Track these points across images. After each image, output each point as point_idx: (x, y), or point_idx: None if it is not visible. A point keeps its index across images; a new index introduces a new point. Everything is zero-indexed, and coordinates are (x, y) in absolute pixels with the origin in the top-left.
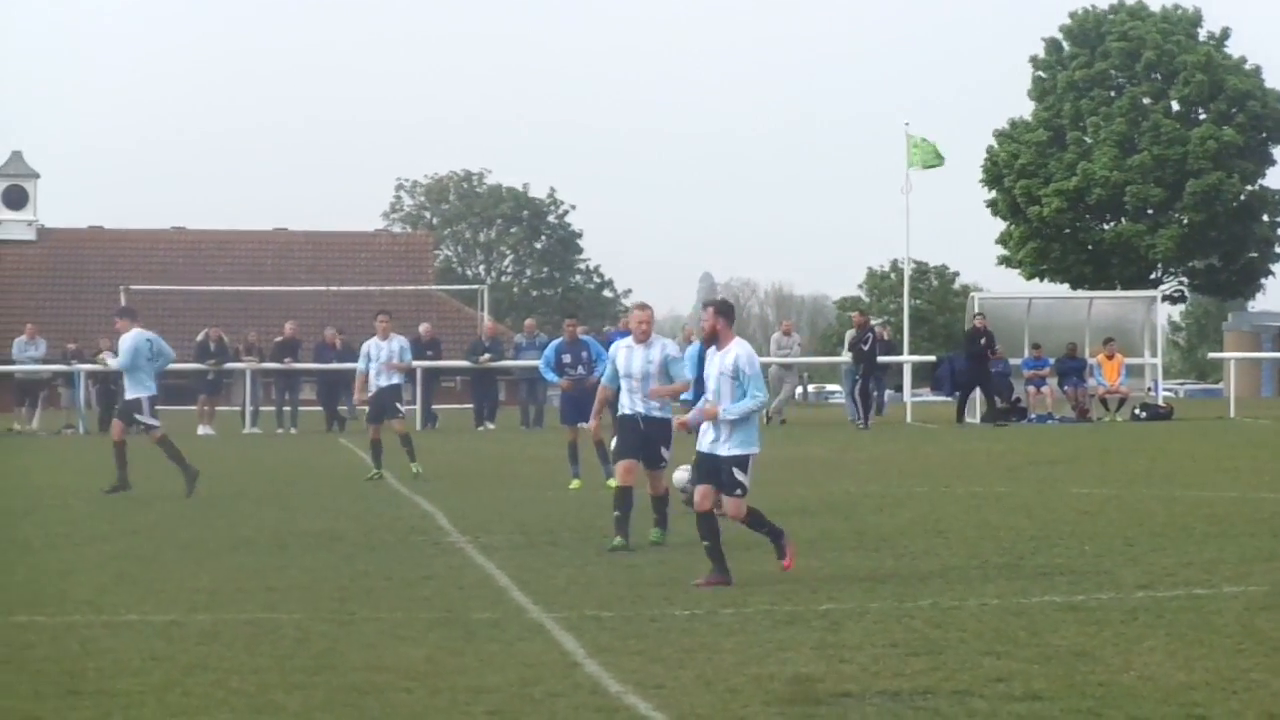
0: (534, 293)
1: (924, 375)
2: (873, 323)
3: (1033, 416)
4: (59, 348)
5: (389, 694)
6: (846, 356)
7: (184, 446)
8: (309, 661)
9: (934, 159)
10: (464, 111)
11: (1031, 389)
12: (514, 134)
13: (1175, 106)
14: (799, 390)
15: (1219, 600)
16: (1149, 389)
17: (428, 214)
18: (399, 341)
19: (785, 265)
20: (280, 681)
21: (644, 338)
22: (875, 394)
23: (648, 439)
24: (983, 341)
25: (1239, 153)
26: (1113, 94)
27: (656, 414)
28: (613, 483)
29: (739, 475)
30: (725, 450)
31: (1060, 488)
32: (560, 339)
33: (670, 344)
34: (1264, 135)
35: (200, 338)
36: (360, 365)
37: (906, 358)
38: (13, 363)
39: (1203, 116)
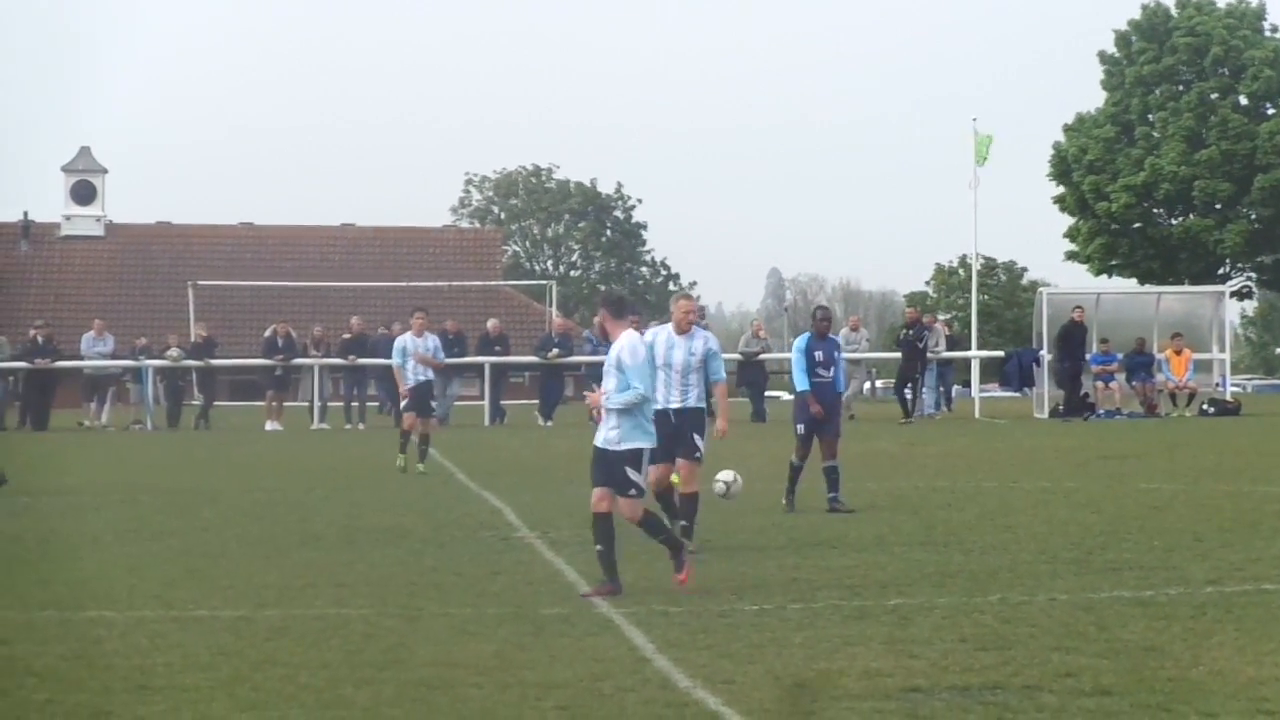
0: (601, 287)
1: (992, 370)
2: (938, 319)
3: (1101, 412)
4: (127, 343)
5: (458, 689)
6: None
7: (253, 442)
8: (378, 656)
9: (983, 150)
10: (532, 107)
11: (1100, 384)
12: (582, 129)
13: (1243, 101)
14: (867, 385)
15: None
16: (1217, 384)
17: (496, 209)
18: (433, 339)
19: (853, 261)
20: (349, 676)
21: (687, 328)
22: (925, 389)
23: (679, 431)
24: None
25: None
26: (1180, 89)
27: (692, 404)
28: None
29: (632, 474)
30: (617, 446)
31: (1128, 483)
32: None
33: (712, 337)
34: None
35: (268, 333)
36: (396, 360)
37: (974, 353)
38: (82, 358)
39: (1270, 111)
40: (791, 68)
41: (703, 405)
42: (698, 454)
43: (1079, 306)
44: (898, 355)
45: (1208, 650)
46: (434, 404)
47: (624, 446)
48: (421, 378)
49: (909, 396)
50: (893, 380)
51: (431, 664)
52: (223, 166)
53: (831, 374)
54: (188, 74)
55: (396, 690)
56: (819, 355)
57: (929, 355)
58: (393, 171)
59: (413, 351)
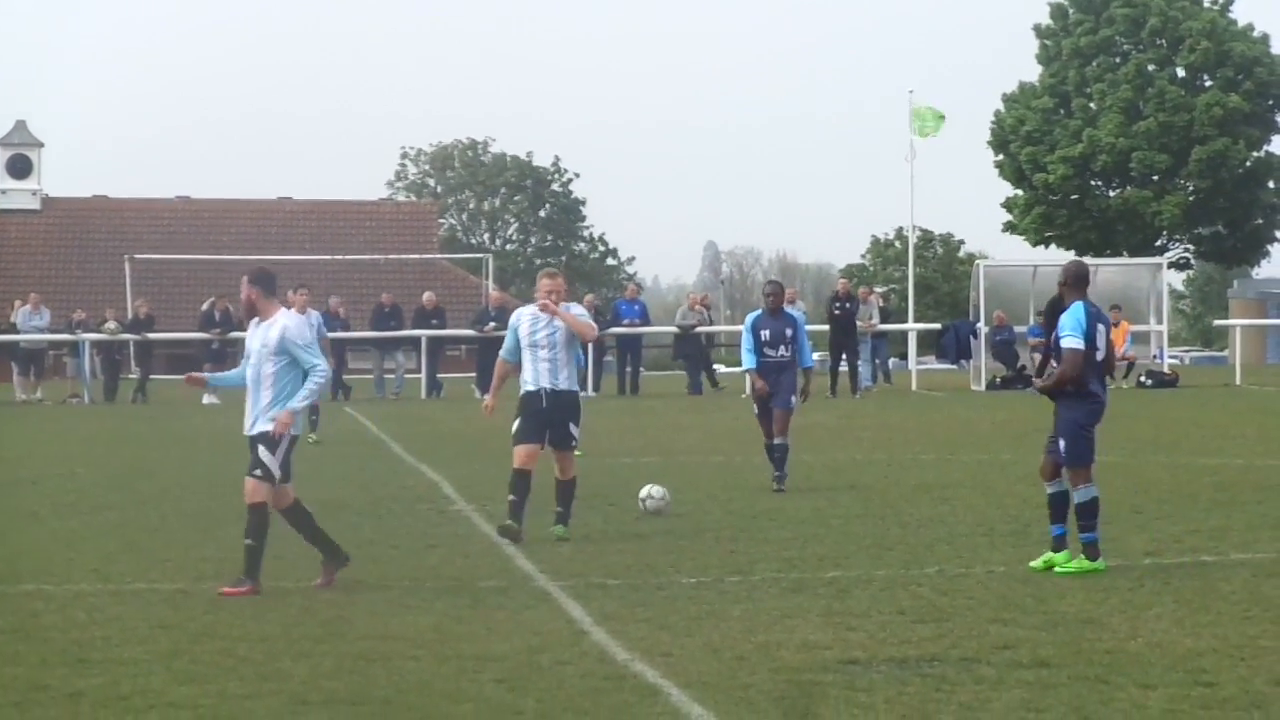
0: (538, 261)
1: (929, 343)
2: (874, 291)
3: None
4: (64, 317)
5: (396, 662)
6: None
7: (191, 415)
8: (316, 629)
9: (933, 124)
10: (468, 80)
11: (1037, 356)
12: (518, 102)
13: (1181, 73)
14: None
15: (1226, 567)
16: (1154, 356)
17: (432, 182)
18: (315, 316)
19: (790, 233)
20: (287, 649)
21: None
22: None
23: (551, 417)
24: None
25: (1245, 119)
26: (1118, 60)
27: (564, 387)
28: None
29: (264, 455)
30: (252, 429)
31: None
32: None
33: (584, 310)
34: (1270, 102)
35: (205, 307)
36: None
37: (911, 325)
38: (17, 332)
39: (1209, 83)
40: (727, 41)
41: (575, 388)
42: (574, 443)
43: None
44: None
45: (1146, 622)
46: None
47: (260, 429)
48: None
49: (842, 370)
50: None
51: (369, 637)
52: (159, 140)
53: (780, 352)
54: (124, 47)
55: (334, 662)
56: (765, 334)
57: (865, 327)
58: (329, 145)
59: None
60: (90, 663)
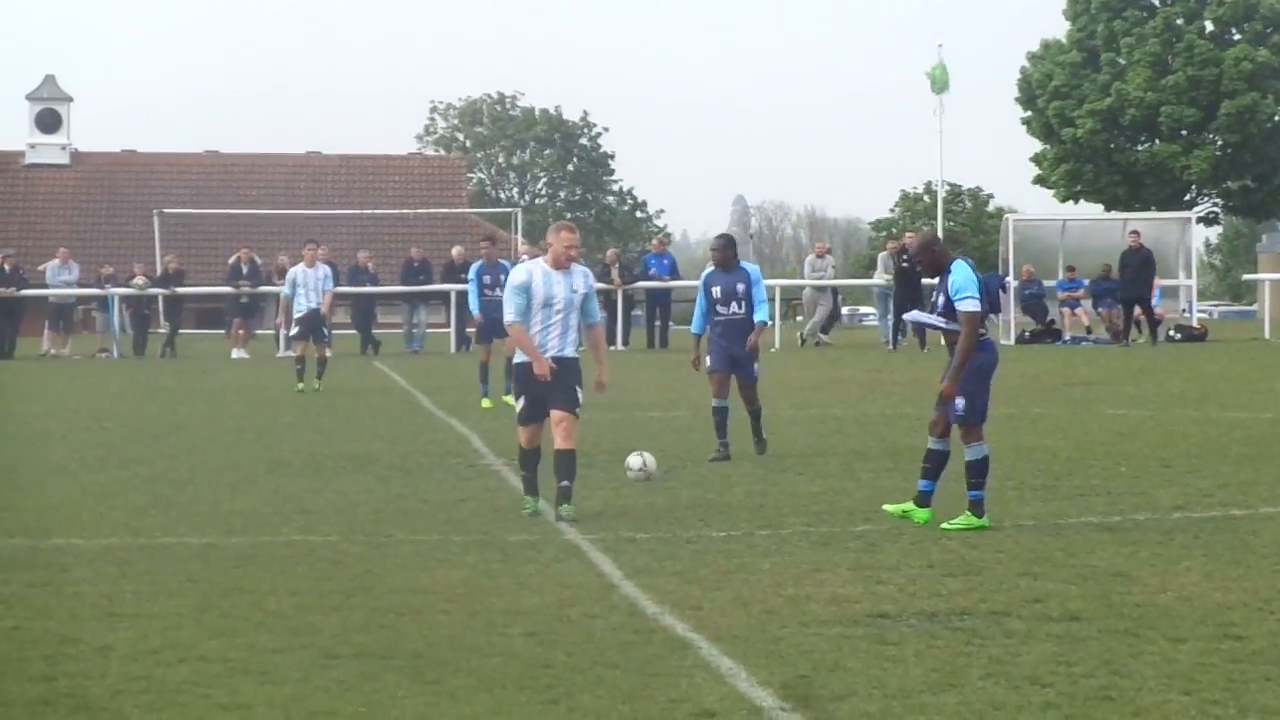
0: (567, 215)
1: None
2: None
3: (1067, 338)
4: (93, 272)
5: (426, 615)
6: (885, 279)
7: (220, 370)
8: (345, 583)
9: (940, 81)
10: (497, 33)
11: (1066, 310)
12: (547, 56)
13: (1209, 27)
14: (844, 311)
15: (1256, 521)
16: (1183, 310)
17: (461, 136)
18: (324, 269)
19: (818, 188)
20: (317, 603)
21: (567, 264)
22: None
23: (556, 380)
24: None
25: (1274, 74)
26: (1146, 14)
27: (570, 353)
28: (487, 403)
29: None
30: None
31: (1095, 409)
32: (481, 261)
33: (589, 274)
34: None
35: (232, 260)
36: (286, 290)
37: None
38: (46, 287)
39: (1237, 37)
40: None
41: (577, 355)
42: (579, 407)
43: (1135, 232)
44: (864, 282)
45: (1175, 576)
46: (325, 330)
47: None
48: (311, 306)
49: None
50: (861, 308)
51: (399, 590)
52: (188, 94)
53: (733, 309)
54: (152, 2)
55: (364, 617)
56: (717, 290)
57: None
58: (358, 99)
59: (303, 283)
60: (120, 616)
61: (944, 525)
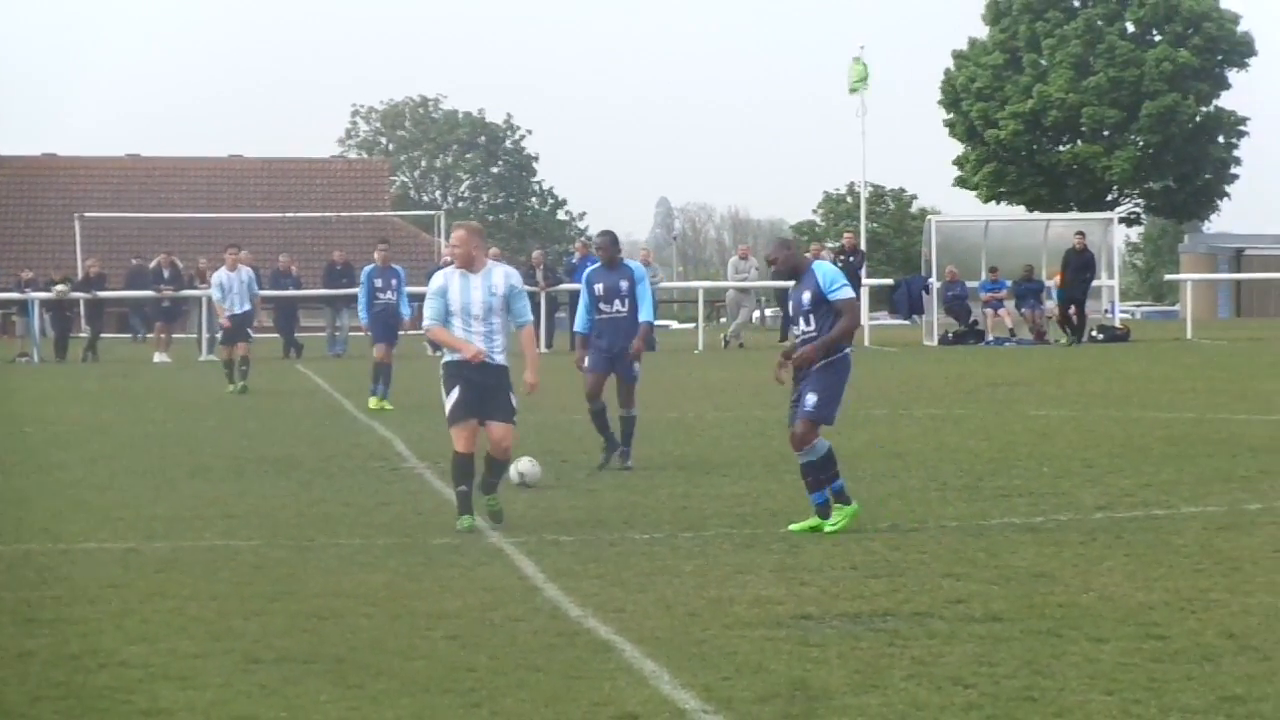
0: (490, 218)
1: (881, 298)
2: (825, 247)
3: (990, 338)
4: (13, 276)
5: (348, 619)
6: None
7: (141, 374)
8: (267, 588)
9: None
10: (419, 36)
11: (989, 311)
12: (470, 59)
13: (1130, 28)
14: (755, 314)
15: (1177, 520)
16: (1106, 311)
17: (383, 140)
18: (247, 273)
19: (742, 189)
20: (239, 608)
21: (469, 263)
22: None
23: (486, 387)
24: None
25: (1194, 74)
26: (1067, 16)
27: (499, 361)
28: (375, 403)
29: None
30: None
31: (1018, 409)
32: (373, 265)
33: (513, 271)
34: (1219, 57)
35: (153, 265)
36: (215, 295)
37: (864, 281)
38: None
39: (1158, 38)
40: None
41: (507, 364)
42: (514, 415)
43: (1080, 232)
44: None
45: (1097, 576)
46: (250, 331)
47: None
48: (238, 310)
49: None
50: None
51: (321, 595)
52: (109, 98)
53: (617, 307)
54: (71, 4)
55: (286, 621)
56: (599, 288)
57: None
58: (279, 103)
59: (229, 287)
60: (39, 622)
61: (790, 527)
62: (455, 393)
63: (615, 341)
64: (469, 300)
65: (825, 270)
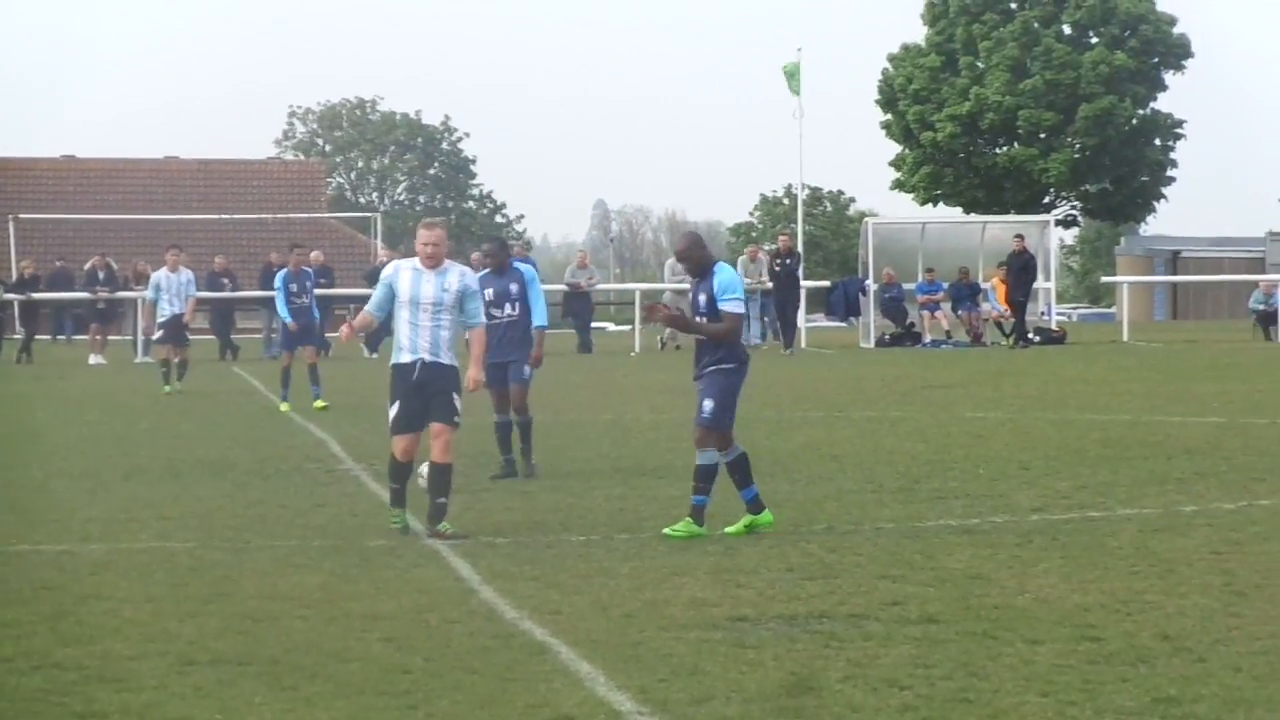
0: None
1: (818, 300)
2: (762, 249)
3: (927, 341)
4: None
5: (283, 621)
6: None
7: (77, 376)
8: (203, 590)
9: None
10: (357, 38)
11: (925, 313)
12: (408, 60)
13: (1067, 30)
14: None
15: (1113, 523)
16: (1042, 313)
17: (320, 141)
18: (186, 274)
19: (679, 191)
20: (174, 610)
21: (434, 264)
22: (752, 319)
23: (428, 389)
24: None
25: (1131, 77)
26: (1004, 18)
27: (446, 360)
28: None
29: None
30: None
31: (954, 412)
32: (287, 269)
33: (469, 272)
34: (1156, 60)
35: (88, 266)
36: (149, 295)
37: (801, 283)
38: None
39: (1095, 41)
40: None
41: (455, 364)
42: (457, 418)
43: (1019, 235)
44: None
45: (1033, 578)
46: (187, 334)
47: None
48: (175, 311)
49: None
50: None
51: (257, 596)
52: (44, 98)
53: (507, 311)
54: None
55: (221, 623)
56: (489, 293)
57: (755, 285)
58: (216, 104)
59: (166, 287)
60: None
61: (665, 531)
62: (396, 406)
63: (505, 346)
64: (419, 293)
65: (725, 277)
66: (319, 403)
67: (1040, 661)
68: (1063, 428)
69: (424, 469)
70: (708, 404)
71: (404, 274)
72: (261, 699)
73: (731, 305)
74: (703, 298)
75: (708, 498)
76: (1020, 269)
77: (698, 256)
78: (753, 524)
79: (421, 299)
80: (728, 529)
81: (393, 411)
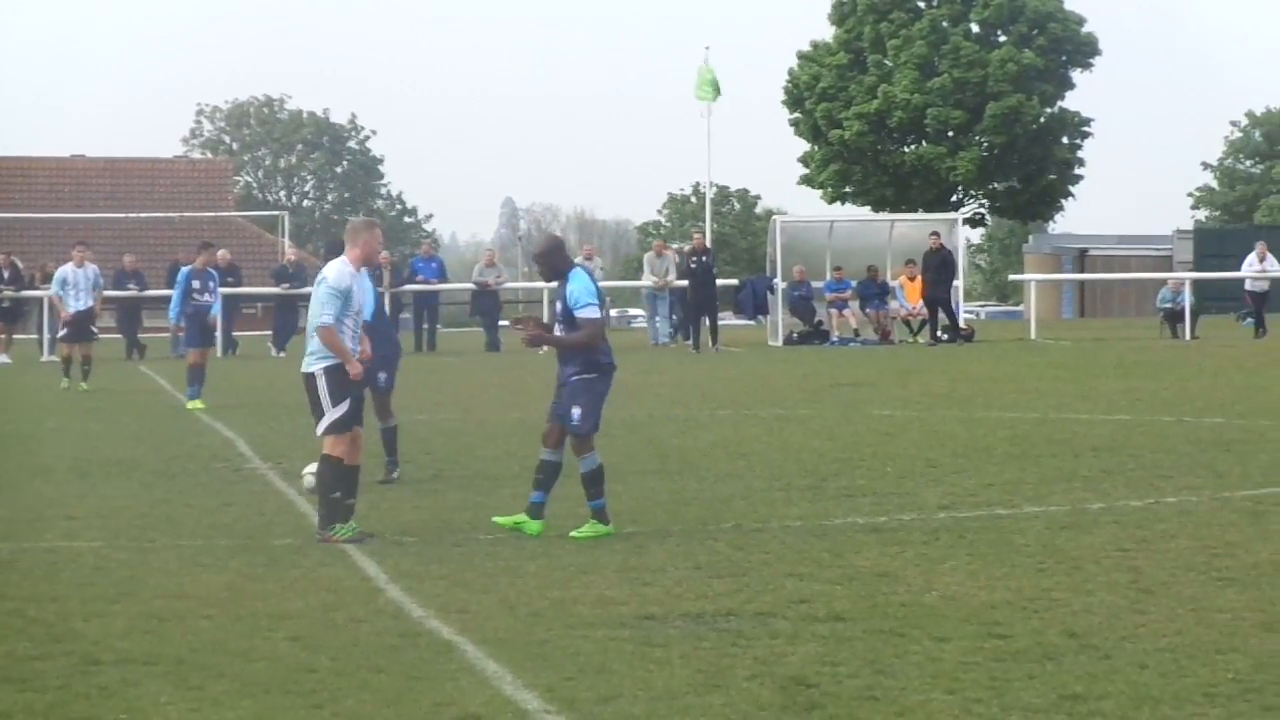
0: (335, 218)
1: (726, 299)
2: (670, 247)
3: (835, 339)
4: None
5: (189, 621)
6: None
7: None
8: (108, 589)
9: (709, 90)
10: (264, 36)
11: (834, 311)
12: (315, 59)
13: (975, 29)
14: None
15: (1020, 520)
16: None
17: (228, 139)
18: (92, 269)
19: (587, 190)
20: (79, 610)
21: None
22: (658, 319)
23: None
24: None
25: (1039, 75)
26: (912, 17)
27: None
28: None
29: None
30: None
31: (862, 410)
32: (192, 266)
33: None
34: (1063, 58)
35: None
36: (55, 289)
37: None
38: None
39: (1003, 39)
40: None
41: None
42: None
43: (936, 233)
44: (632, 284)
45: (941, 575)
46: (93, 330)
47: None
48: (80, 307)
49: (704, 326)
50: (629, 310)
51: (163, 596)
52: None
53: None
54: None
55: (127, 622)
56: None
57: (661, 284)
58: (123, 102)
59: (73, 283)
60: None
61: (573, 534)
62: (346, 405)
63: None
64: (361, 301)
65: (577, 285)
66: (198, 403)
67: (947, 659)
68: (970, 425)
69: (306, 473)
70: (576, 412)
71: (356, 282)
72: (167, 698)
73: (587, 312)
74: (559, 304)
75: (603, 498)
76: (939, 265)
77: (552, 261)
78: (519, 524)
79: (361, 306)
80: (497, 518)
81: (340, 411)
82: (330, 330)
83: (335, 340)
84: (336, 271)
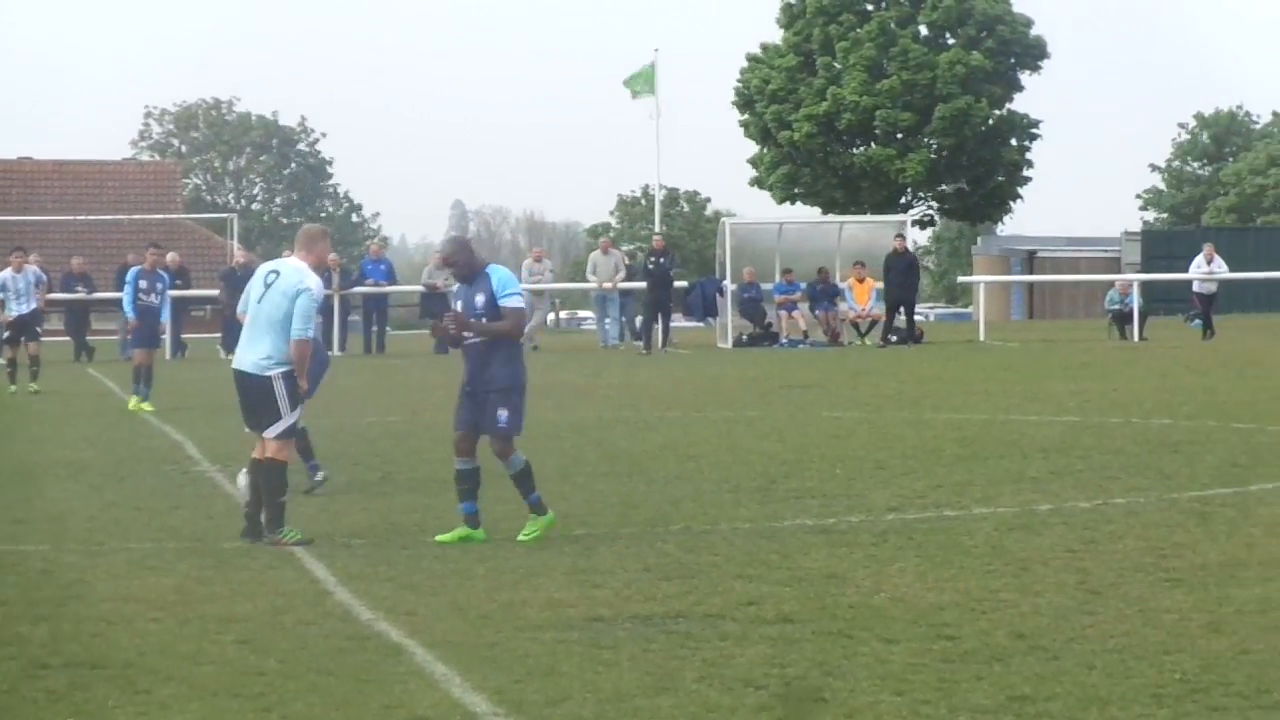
0: (284, 220)
1: (675, 301)
2: (622, 249)
3: (784, 341)
4: None
5: (137, 624)
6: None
7: None
8: (56, 592)
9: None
10: (212, 39)
11: (783, 313)
12: (264, 61)
13: (924, 31)
14: (550, 316)
15: (968, 522)
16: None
17: (176, 142)
18: (33, 272)
19: (537, 192)
20: (26, 613)
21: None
22: (608, 320)
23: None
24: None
25: (987, 77)
26: (861, 19)
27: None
28: (147, 405)
29: None
30: None
31: (812, 411)
32: (140, 267)
33: None
34: (1012, 60)
35: None
36: None
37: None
38: None
39: (951, 41)
40: None
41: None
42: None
43: (900, 235)
44: (581, 286)
45: (889, 577)
46: (38, 330)
47: None
48: (23, 311)
49: (656, 328)
50: (580, 311)
51: (110, 599)
52: None
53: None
54: None
55: (75, 626)
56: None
57: (610, 287)
58: (71, 104)
59: (13, 288)
60: None
61: (520, 537)
62: (300, 410)
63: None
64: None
65: (501, 275)
66: (146, 405)
67: (895, 660)
68: (919, 427)
69: (241, 479)
70: (503, 414)
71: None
72: (115, 702)
73: (512, 301)
74: (480, 299)
75: (536, 492)
76: (905, 269)
77: (466, 261)
78: (466, 537)
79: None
80: (439, 537)
81: (294, 418)
82: (309, 345)
83: (308, 356)
84: (316, 280)
